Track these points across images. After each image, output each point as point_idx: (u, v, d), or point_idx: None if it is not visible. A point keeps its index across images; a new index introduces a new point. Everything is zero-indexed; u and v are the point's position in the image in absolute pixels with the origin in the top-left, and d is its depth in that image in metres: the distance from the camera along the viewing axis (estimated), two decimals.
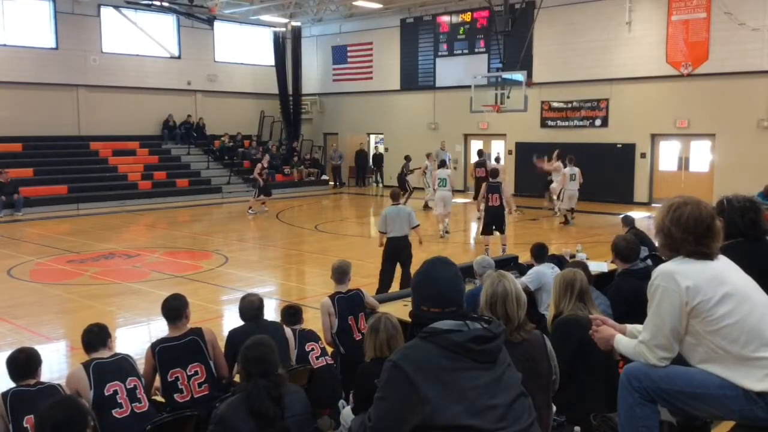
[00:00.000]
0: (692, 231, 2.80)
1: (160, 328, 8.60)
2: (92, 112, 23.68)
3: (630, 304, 4.45)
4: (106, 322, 8.71)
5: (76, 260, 12.40)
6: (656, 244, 3.07)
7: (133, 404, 3.98)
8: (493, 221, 12.42)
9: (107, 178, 22.22)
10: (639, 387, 2.86)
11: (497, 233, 12.49)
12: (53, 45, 22.84)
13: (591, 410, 3.49)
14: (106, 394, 3.91)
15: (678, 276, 2.77)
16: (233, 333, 4.77)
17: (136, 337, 8.08)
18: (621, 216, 9.20)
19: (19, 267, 11.74)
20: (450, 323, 2.33)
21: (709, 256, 2.83)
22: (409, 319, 2.61)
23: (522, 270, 6.80)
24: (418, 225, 9.39)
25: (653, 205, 20.02)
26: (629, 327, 3.20)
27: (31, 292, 10.15)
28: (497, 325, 2.42)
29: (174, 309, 4.52)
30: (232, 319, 9.12)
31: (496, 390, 2.31)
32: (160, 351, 4.37)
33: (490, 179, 12.73)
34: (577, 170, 16.71)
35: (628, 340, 3.05)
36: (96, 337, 4.21)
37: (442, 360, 2.27)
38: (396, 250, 9.05)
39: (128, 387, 4.00)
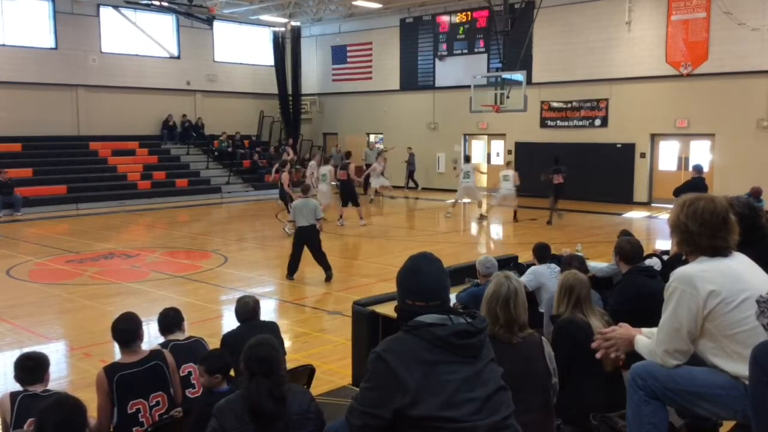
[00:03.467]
0: (708, 224, 2.80)
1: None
2: (92, 112, 23.66)
3: (637, 302, 4.46)
4: (106, 322, 8.69)
5: (76, 260, 12.39)
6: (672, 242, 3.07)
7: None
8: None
9: (107, 178, 22.19)
10: (644, 385, 2.90)
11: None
12: (53, 45, 22.82)
13: (589, 411, 3.49)
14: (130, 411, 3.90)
15: (698, 280, 2.76)
16: (228, 336, 4.74)
17: None
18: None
19: (18, 267, 11.72)
20: (434, 317, 2.37)
21: (726, 250, 2.83)
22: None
23: (522, 270, 6.78)
24: (321, 218, 10.77)
25: (653, 205, 20.04)
26: (645, 331, 3.18)
27: (30, 292, 10.14)
28: (481, 320, 2.45)
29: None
30: (231, 319, 9.12)
31: (476, 384, 2.36)
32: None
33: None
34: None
35: (647, 341, 3.06)
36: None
37: (424, 353, 2.32)
38: (304, 238, 10.52)
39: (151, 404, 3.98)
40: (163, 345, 4.38)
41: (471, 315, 2.44)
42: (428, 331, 2.34)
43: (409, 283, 2.47)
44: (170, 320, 4.61)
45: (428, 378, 2.29)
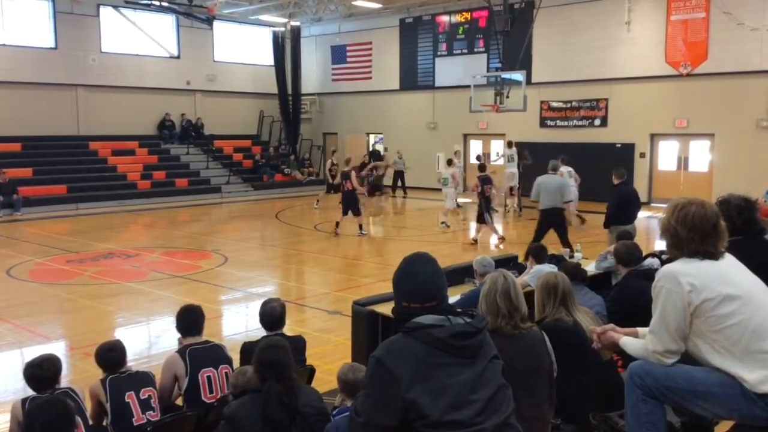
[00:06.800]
0: (698, 230, 2.83)
1: (160, 328, 8.62)
2: (91, 111, 23.65)
3: (634, 304, 4.47)
4: (106, 322, 8.78)
5: (76, 260, 12.40)
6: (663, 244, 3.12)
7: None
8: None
9: (106, 178, 22.19)
10: (642, 384, 2.91)
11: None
12: (52, 45, 22.82)
13: (588, 410, 3.50)
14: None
15: (680, 276, 2.79)
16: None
17: (136, 336, 8.07)
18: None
19: (18, 267, 11.73)
20: (432, 318, 2.34)
21: (713, 255, 2.85)
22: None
23: (521, 270, 6.80)
24: (569, 201, 10.61)
25: (652, 204, 20.04)
26: (641, 331, 3.21)
27: (30, 292, 10.15)
28: (480, 319, 2.41)
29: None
30: (231, 319, 9.14)
31: (477, 385, 2.33)
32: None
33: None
34: None
35: (636, 342, 3.09)
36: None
37: (424, 355, 2.28)
38: (550, 221, 10.43)
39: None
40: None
41: (469, 314, 2.40)
42: (427, 333, 2.30)
43: (404, 285, 2.43)
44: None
45: (430, 381, 2.26)
